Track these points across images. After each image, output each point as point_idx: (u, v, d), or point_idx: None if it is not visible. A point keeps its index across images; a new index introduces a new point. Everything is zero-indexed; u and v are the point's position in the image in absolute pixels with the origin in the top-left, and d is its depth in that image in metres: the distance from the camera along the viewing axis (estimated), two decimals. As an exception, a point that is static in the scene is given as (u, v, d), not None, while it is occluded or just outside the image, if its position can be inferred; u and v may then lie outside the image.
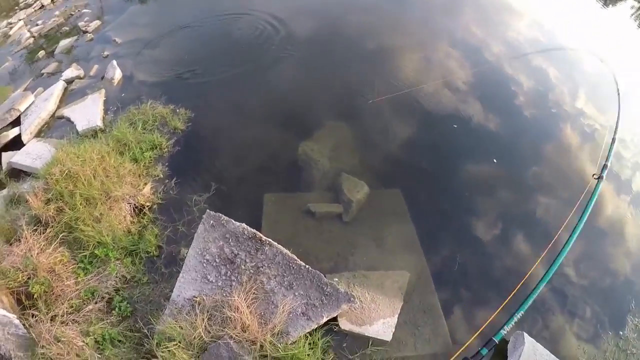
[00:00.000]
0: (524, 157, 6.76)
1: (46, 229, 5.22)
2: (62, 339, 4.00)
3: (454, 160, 6.48)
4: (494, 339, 3.97)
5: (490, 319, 4.26)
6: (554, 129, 7.33)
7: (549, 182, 6.40)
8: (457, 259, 5.23)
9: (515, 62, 8.64)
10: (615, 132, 6.90)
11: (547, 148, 6.94)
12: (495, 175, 6.32)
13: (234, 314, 3.94)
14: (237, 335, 3.86)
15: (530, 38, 9.61)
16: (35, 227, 5.22)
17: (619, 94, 7.63)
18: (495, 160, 6.46)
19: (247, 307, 4.02)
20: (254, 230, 4.57)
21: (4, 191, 6.18)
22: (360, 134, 6.75)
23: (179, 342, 3.88)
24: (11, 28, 14.75)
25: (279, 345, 3.88)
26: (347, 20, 9.52)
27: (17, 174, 6.88)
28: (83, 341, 4.10)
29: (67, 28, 12.84)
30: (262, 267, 4.35)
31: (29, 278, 4.61)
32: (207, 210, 4.81)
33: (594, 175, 6.24)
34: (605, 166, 6.33)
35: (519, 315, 4.26)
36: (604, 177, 6.18)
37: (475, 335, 4.15)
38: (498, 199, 6.05)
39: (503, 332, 4.02)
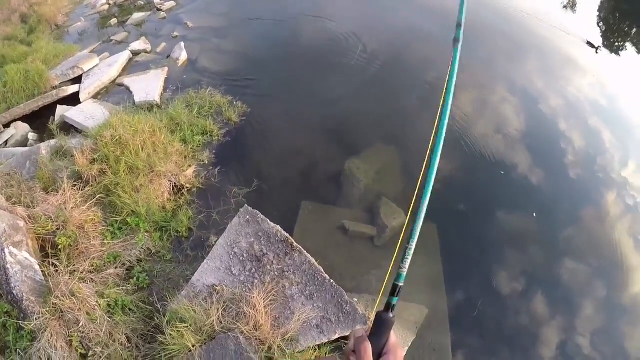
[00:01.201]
0: (562, 217, 6.67)
1: (85, 187, 5.51)
2: (77, 295, 4.15)
3: (494, 206, 6.48)
4: (397, 283, 3.91)
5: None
6: (597, 194, 7.22)
7: (582, 248, 6.30)
8: (478, 305, 5.24)
9: (571, 119, 8.55)
10: None
11: (586, 213, 6.85)
12: (531, 230, 6.26)
13: (250, 310, 4.04)
14: (248, 332, 3.96)
15: (591, 98, 9.50)
16: (75, 183, 5.50)
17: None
18: (535, 215, 6.42)
19: (264, 307, 4.13)
20: (287, 235, 4.72)
21: (52, 141, 6.55)
22: (408, 163, 6.80)
23: (190, 325, 4.00)
24: (89, -9, 15.55)
25: (286, 350, 3.97)
26: (415, 49, 9.72)
27: (67, 128, 7.32)
28: (97, 301, 4.26)
29: (142, 2, 13.52)
30: (287, 271, 4.48)
31: (57, 229, 4.84)
32: (245, 204, 4.99)
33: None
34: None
35: (411, 246, 4.17)
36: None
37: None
38: (529, 255, 5.99)
39: (403, 272, 3.92)
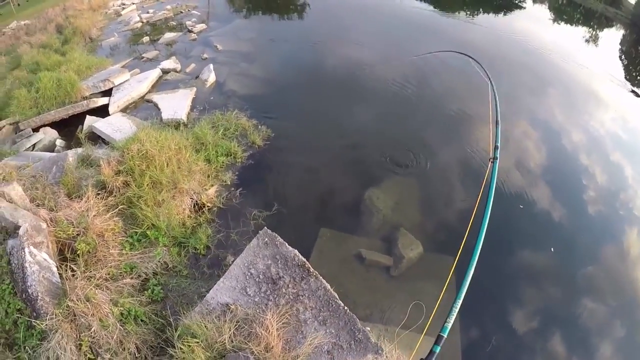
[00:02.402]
0: (581, 254, 6.60)
1: (108, 197, 5.73)
2: (92, 300, 4.28)
3: (512, 240, 6.46)
4: (441, 334, 3.86)
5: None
6: (618, 231, 7.11)
7: (601, 287, 6.18)
8: (492, 340, 5.21)
9: (593, 154, 8.55)
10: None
11: (606, 250, 6.73)
12: (549, 266, 6.21)
13: (262, 331, 4.11)
14: (258, 353, 4.01)
15: (612, 132, 9.50)
16: (98, 192, 5.72)
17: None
18: (552, 250, 6.40)
19: (277, 329, 4.19)
20: (304, 259, 4.81)
21: (79, 149, 6.83)
22: (428, 195, 6.95)
23: (201, 340, 4.07)
24: (123, 9, 16.39)
25: (296, 375, 4.02)
26: (435, 80, 10.01)
27: (95, 138, 7.63)
28: (110, 309, 4.38)
29: (174, 23, 14.20)
30: (302, 296, 4.56)
31: (78, 234, 5.01)
32: (265, 227, 5.10)
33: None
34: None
35: (458, 304, 4.13)
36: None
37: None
38: (546, 292, 5.94)
39: (448, 325, 3.90)
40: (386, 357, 4.48)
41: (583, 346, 5.46)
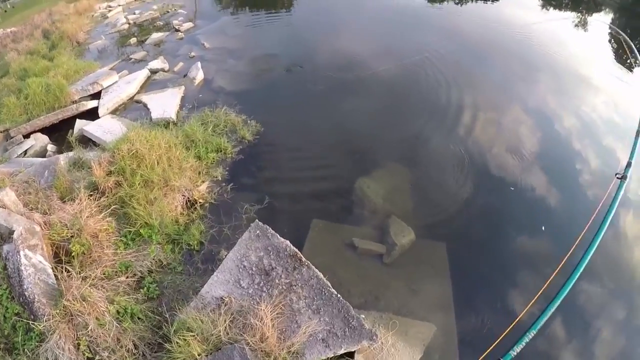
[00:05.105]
0: (576, 237, 6.03)
1: (101, 198, 5.80)
2: (88, 299, 4.35)
3: (505, 225, 6.41)
4: (502, 359, 3.79)
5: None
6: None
7: (598, 268, 5.87)
8: (488, 324, 5.09)
9: (585, 139, 8.35)
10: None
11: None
12: (543, 250, 6.03)
13: (257, 322, 4.19)
14: (254, 343, 4.09)
15: (605, 116, 9.18)
16: (91, 193, 5.80)
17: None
18: (543, 228, 6.27)
19: (271, 319, 4.27)
20: (296, 250, 4.90)
21: (71, 153, 6.90)
22: (419, 182, 6.93)
23: (197, 334, 4.15)
24: (110, 11, 16.48)
25: (291, 363, 4.10)
26: (427, 70, 9.95)
27: (85, 141, 7.69)
28: (106, 307, 4.45)
29: (161, 23, 14.33)
30: (295, 285, 4.64)
31: (72, 236, 5.07)
32: (256, 220, 5.19)
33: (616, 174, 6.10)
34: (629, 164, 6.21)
35: (530, 335, 4.09)
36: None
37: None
38: (542, 276, 5.50)
39: (512, 353, 3.83)
40: (381, 342, 4.56)
41: (582, 327, 5.35)
